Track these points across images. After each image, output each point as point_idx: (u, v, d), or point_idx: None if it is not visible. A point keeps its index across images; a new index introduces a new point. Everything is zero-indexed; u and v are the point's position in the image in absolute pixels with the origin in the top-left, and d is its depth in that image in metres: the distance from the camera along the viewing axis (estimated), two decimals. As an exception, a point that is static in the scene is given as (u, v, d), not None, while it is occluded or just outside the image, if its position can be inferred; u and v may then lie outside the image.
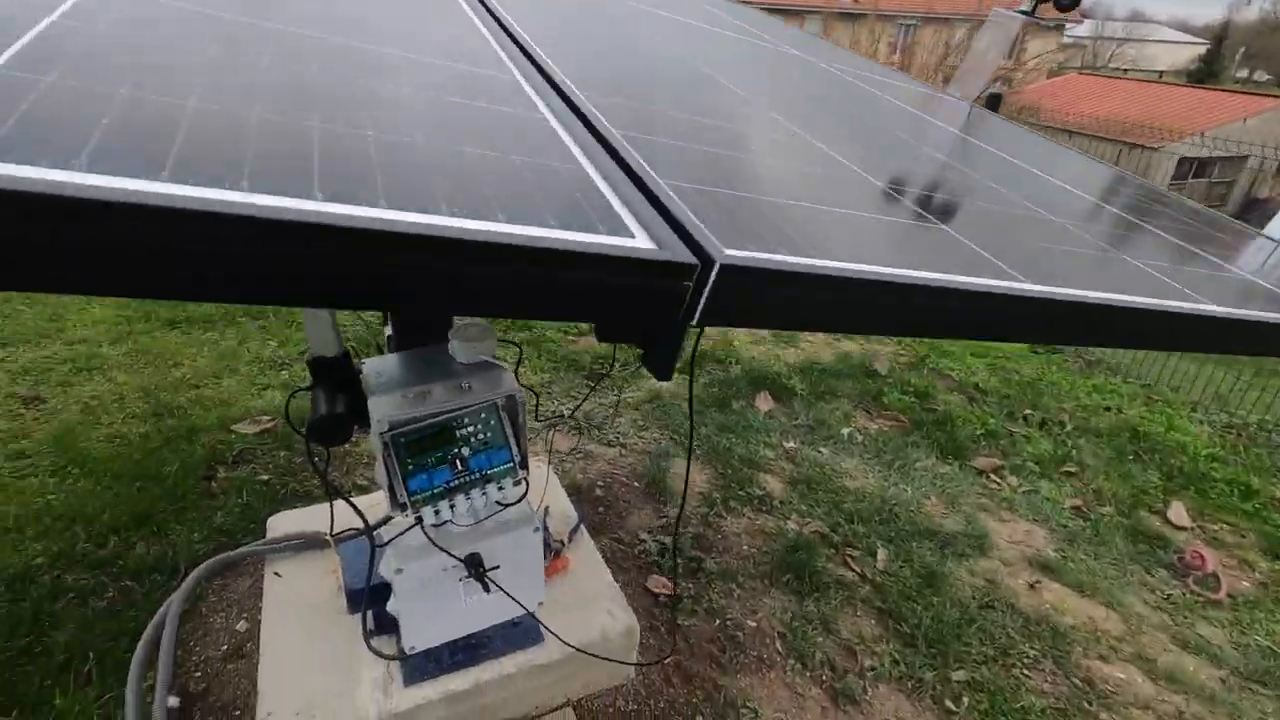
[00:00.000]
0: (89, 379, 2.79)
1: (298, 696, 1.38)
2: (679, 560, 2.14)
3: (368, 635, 1.47)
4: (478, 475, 1.22)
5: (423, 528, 1.18)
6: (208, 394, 2.76)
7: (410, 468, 1.17)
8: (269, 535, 1.79)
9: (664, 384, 3.29)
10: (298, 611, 1.56)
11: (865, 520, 2.43)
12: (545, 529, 1.41)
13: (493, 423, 1.23)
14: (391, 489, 1.17)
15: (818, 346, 3.93)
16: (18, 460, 2.24)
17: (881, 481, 2.70)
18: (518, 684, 1.48)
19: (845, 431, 3.03)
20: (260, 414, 2.65)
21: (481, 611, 1.36)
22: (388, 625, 1.47)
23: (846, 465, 2.79)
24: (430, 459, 1.18)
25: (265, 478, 2.31)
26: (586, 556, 1.81)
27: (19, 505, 2.04)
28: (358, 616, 1.51)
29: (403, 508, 1.18)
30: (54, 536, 1.92)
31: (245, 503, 2.16)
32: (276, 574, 1.67)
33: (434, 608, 1.31)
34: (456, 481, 1.21)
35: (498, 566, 1.31)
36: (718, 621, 1.94)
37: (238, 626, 1.71)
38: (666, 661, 1.75)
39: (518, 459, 1.24)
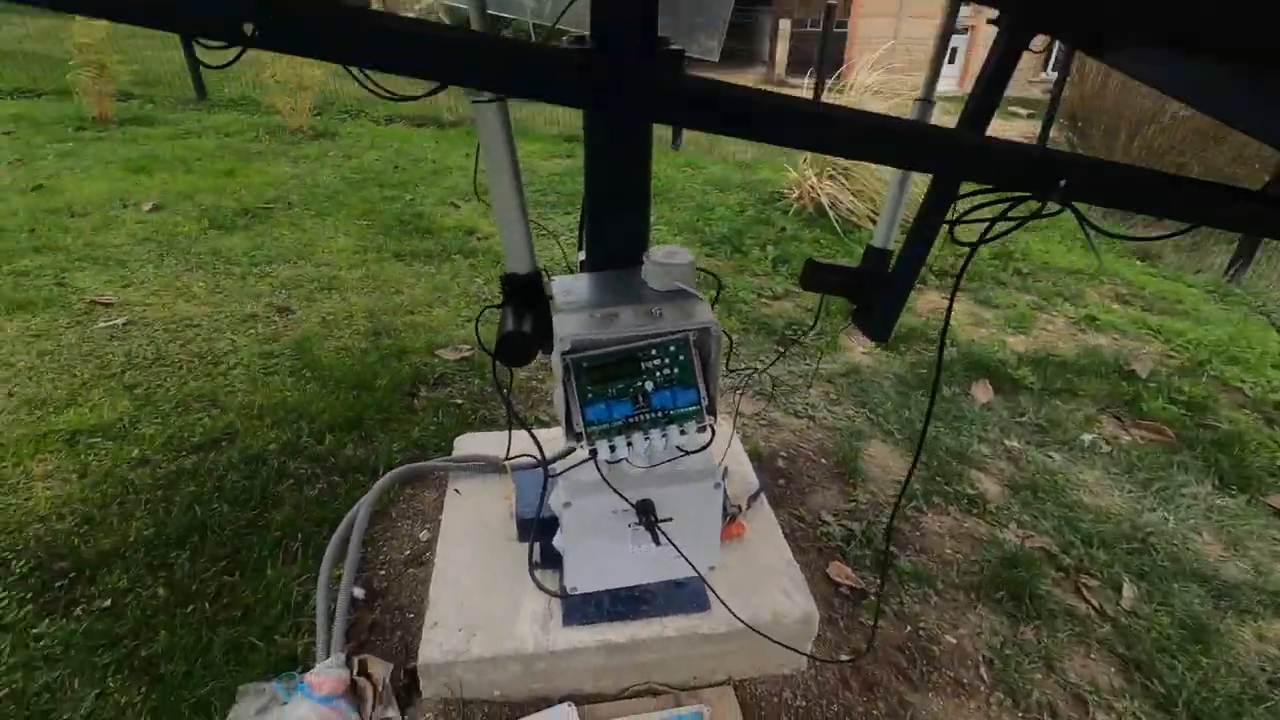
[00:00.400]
0: (328, 297, 3.12)
1: (463, 614, 1.38)
2: (869, 551, 1.89)
3: (533, 567, 1.43)
4: (660, 414, 1.09)
5: (596, 463, 1.08)
6: (419, 320, 2.96)
7: (590, 396, 1.07)
8: (455, 454, 1.83)
9: (863, 359, 2.97)
10: (472, 531, 1.57)
11: (1108, 545, 1.98)
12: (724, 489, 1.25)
13: (682, 358, 1.08)
14: (568, 416, 1.08)
15: (1056, 335, 3.34)
16: (267, 359, 2.55)
17: (1133, 503, 2.20)
18: (676, 649, 1.36)
19: (1087, 438, 2.52)
20: (461, 343, 2.78)
21: (648, 564, 1.25)
22: (553, 560, 1.42)
23: (1085, 477, 2.31)
24: (611, 389, 1.07)
25: (459, 401, 2.41)
26: (765, 528, 1.63)
27: (264, 396, 2.31)
28: (526, 546, 1.47)
29: (578, 438, 1.08)
30: (285, 427, 2.14)
31: (439, 422, 2.27)
32: (457, 491, 1.69)
33: (599, 550, 1.22)
34: (637, 417, 1.09)
35: (670, 519, 1.18)
36: (909, 629, 1.67)
37: (420, 535, 1.78)
38: (849, 661, 1.53)
39: (705, 402, 1.09)
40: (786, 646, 1.30)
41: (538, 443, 1.22)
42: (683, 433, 1.09)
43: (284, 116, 6.22)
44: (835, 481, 2.21)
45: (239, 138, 5.92)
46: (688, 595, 1.40)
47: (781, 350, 2.95)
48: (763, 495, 1.70)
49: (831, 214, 4.53)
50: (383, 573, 1.69)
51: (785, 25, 21.73)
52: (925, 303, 3.63)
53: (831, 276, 1.55)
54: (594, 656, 1.34)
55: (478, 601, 1.40)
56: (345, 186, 4.69)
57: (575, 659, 1.33)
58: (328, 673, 1.30)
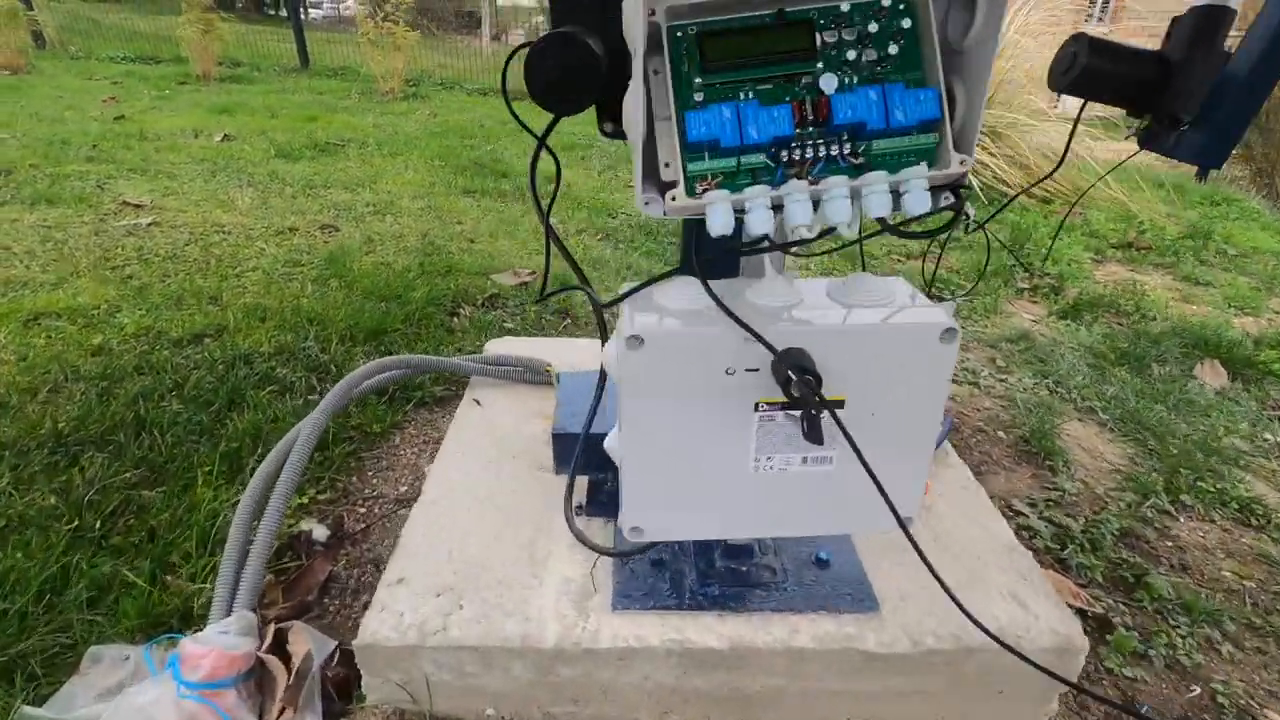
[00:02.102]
0: (381, 220, 2.70)
1: (448, 569, 0.82)
2: (1098, 561, 1.21)
3: (571, 510, 0.85)
4: (853, 140, 0.49)
5: (699, 243, 0.49)
6: (480, 247, 2.48)
7: (699, 96, 0.49)
8: (485, 355, 1.29)
9: (1032, 326, 2.26)
10: (487, 452, 1.01)
11: None
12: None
13: (904, 23, 0.49)
14: (647, 145, 0.50)
15: (1304, 318, 2.49)
16: (293, 267, 2.13)
17: None
18: (814, 673, 0.75)
19: (1396, 441, 1.71)
20: (524, 269, 2.28)
21: (784, 502, 0.65)
22: (606, 506, 0.84)
23: None
24: (747, 86, 0.49)
25: (509, 325, 1.89)
26: (961, 493, 0.99)
27: (275, 299, 1.87)
28: (564, 480, 0.90)
29: (664, 189, 0.51)
30: (288, 330, 1.68)
31: (481, 345, 1.75)
32: (477, 402, 1.14)
33: (688, 461, 0.63)
34: (801, 146, 0.50)
35: (842, 403, 0.58)
36: (1197, 690, 0.98)
37: (427, 467, 1.24)
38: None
39: (951, 119, 0.49)
40: (1055, 676, 0.66)
41: (591, 294, 0.65)
42: (900, 191, 0.49)
43: (379, 82, 6.06)
44: (1024, 463, 1.52)
45: (331, 95, 5.78)
46: (840, 582, 0.79)
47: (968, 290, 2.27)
48: (947, 442, 1.06)
49: (975, 180, 3.79)
50: (363, 509, 1.16)
51: None
52: (1106, 274, 2.86)
53: (1119, 64, 0.89)
54: (660, 667, 0.74)
55: (475, 553, 0.84)
56: (425, 135, 4.36)
57: (628, 667, 0.74)
58: (215, 642, 0.77)
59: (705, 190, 0.50)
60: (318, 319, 1.76)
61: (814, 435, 0.53)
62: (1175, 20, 0.90)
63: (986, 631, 0.54)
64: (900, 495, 0.60)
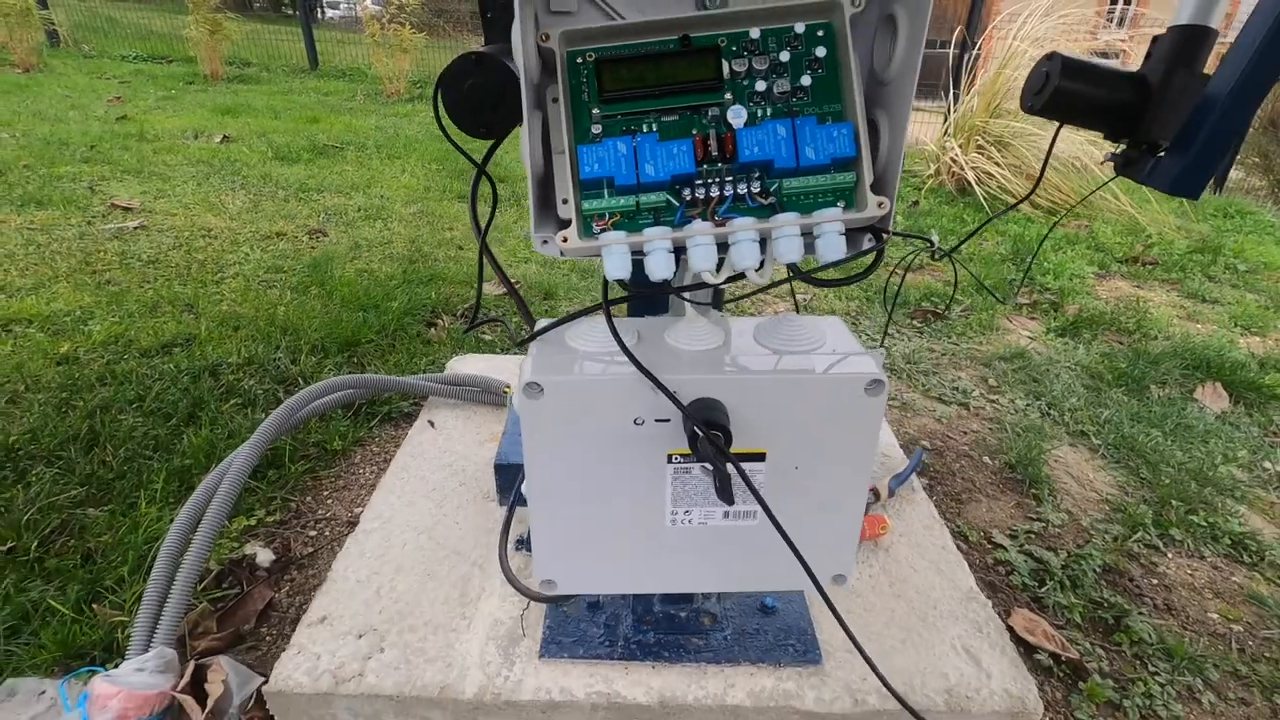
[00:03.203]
0: (370, 225, 2.68)
1: (375, 608, 0.78)
2: (1077, 601, 1.15)
3: (506, 549, 0.81)
4: (760, 177, 0.45)
5: (604, 288, 0.46)
6: (468, 254, 2.46)
7: (596, 127, 0.45)
8: (446, 374, 1.25)
9: (1029, 344, 2.20)
10: (433, 479, 0.97)
11: None
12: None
13: (821, 51, 0.44)
14: (540, 176, 0.46)
15: (1313, 339, 2.41)
16: (274, 274, 2.11)
17: None
18: (750, 736, 0.71)
19: (1404, 473, 1.64)
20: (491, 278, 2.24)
21: (710, 555, 0.61)
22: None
23: None
24: (648, 118, 0.45)
25: (488, 337, 1.86)
26: (920, 532, 0.95)
27: (251, 308, 1.85)
28: (505, 510, 0.86)
29: (557, 229, 0.47)
30: (259, 340, 1.65)
31: (454, 358, 1.72)
32: (430, 423, 1.11)
33: (602, 509, 0.59)
34: (704, 182, 0.46)
35: (762, 456, 0.54)
36: (1172, 747, 0.93)
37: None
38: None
39: (869, 156, 0.45)
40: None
41: (523, 306, 0.61)
42: (814, 235, 0.45)
43: (385, 83, 6.07)
44: (1008, 490, 1.47)
45: (336, 97, 5.79)
46: (781, 630, 0.75)
47: (929, 321, 2.22)
48: (915, 479, 1.02)
49: (979, 190, 3.73)
50: (313, 532, 1.13)
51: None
52: (1109, 290, 2.79)
53: (1094, 86, 0.84)
54: (582, 719, 0.70)
55: (406, 590, 0.81)
56: (426, 138, 4.35)
57: (550, 717, 0.70)
58: (126, 681, 0.74)
59: (602, 230, 0.46)
60: (292, 329, 1.73)
61: (725, 495, 0.49)
62: (1155, 40, 0.85)
63: (905, 705, 0.50)
64: (830, 551, 0.56)
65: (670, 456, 0.54)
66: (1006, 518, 1.39)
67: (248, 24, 7.96)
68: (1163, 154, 0.84)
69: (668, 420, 0.52)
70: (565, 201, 0.47)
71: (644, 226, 0.46)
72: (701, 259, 0.45)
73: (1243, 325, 2.53)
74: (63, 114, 4.10)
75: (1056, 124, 0.89)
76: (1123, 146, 0.89)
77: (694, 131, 0.46)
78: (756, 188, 0.46)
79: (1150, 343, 2.28)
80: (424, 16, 7.56)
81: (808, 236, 0.46)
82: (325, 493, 1.22)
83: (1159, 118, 0.84)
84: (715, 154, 0.45)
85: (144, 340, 1.61)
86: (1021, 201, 0.95)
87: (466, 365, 1.31)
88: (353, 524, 1.15)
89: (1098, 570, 1.23)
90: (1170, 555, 1.32)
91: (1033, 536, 1.32)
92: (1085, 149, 3.72)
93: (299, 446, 1.29)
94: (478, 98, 0.60)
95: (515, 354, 1.69)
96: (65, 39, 7.34)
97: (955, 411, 1.77)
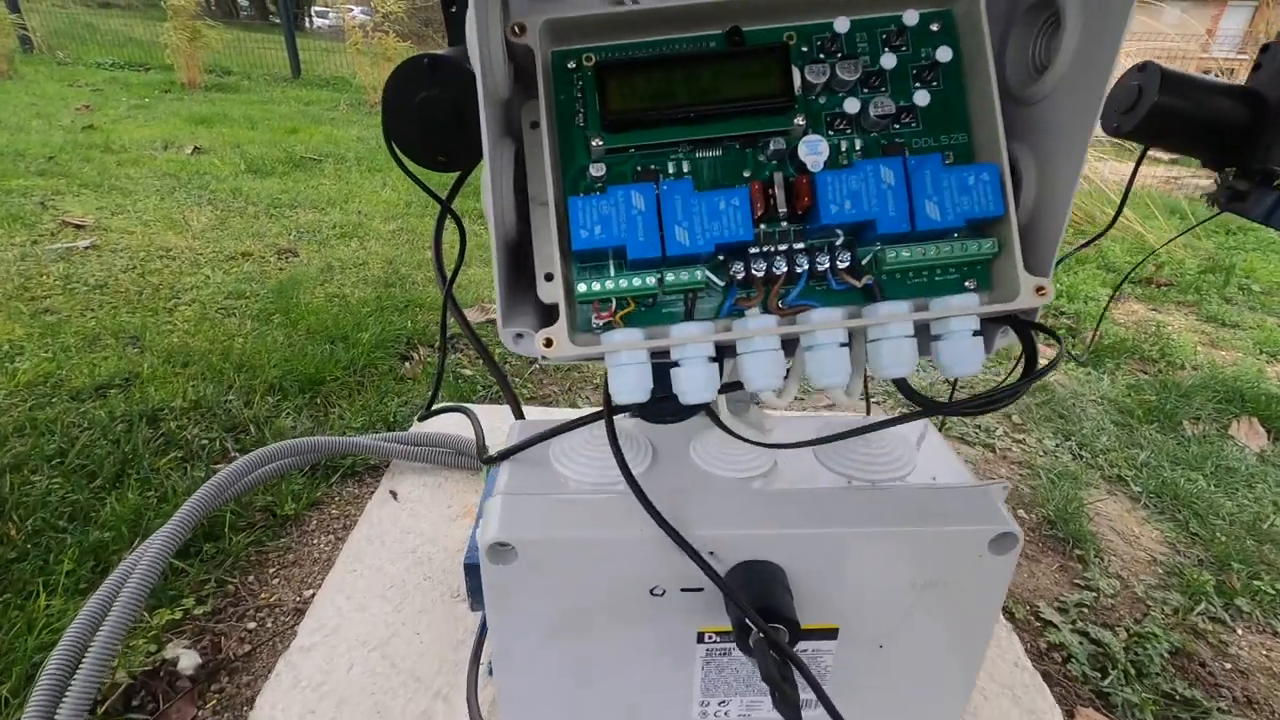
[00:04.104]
0: (345, 244, 2.51)
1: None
2: (1148, 695, 1.00)
3: (476, 682, 0.64)
4: (850, 248, 0.29)
5: (608, 395, 0.28)
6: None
7: (596, 165, 0.27)
8: (413, 431, 1.08)
9: (1051, 377, 2.06)
10: (391, 574, 0.80)
11: None
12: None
13: (929, 55, 0.27)
14: (523, 249, 0.29)
15: (1346, 369, 2.29)
16: (235, 299, 1.93)
17: None
18: None
19: None
20: (491, 303, 2.08)
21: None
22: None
23: None
24: (678, 146, 0.27)
25: (468, 372, 1.69)
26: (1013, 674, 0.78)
27: (205, 339, 1.67)
28: (479, 618, 0.69)
29: (537, 325, 0.29)
30: (210, 379, 1.48)
31: (427, 398, 1.55)
32: (392, 493, 0.94)
33: (600, 702, 0.42)
34: (768, 257, 0.29)
35: (833, 633, 0.37)
36: None
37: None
38: None
39: (1012, 208, 0.28)
40: None
41: (504, 381, 0.46)
42: (934, 335, 0.29)
43: (369, 93, 5.91)
44: (1049, 550, 1.32)
45: (318, 107, 5.62)
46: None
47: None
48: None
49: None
50: (252, 625, 0.95)
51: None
52: (1127, 313, 2.66)
53: (1198, 103, 0.68)
54: None
55: (348, 736, 0.63)
56: (409, 149, 4.18)
57: None
58: None
59: (606, 325, 0.30)
60: (248, 365, 1.56)
61: (791, 712, 0.33)
62: (1265, 49, 0.70)
63: None
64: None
65: (702, 635, 0.38)
66: (1052, 584, 1.23)
67: (230, 31, 7.79)
68: (1281, 187, 0.69)
69: (699, 590, 0.36)
70: (549, 278, 0.31)
71: (671, 320, 0.30)
72: (761, 373, 0.29)
73: (1268, 352, 2.41)
74: (25, 123, 3.90)
75: (1140, 148, 0.74)
76: (1227, 178, 0.74)
77: (747, 174, 0.30)
78: (844, 261, 0.30)
79: (1177, 373, 2.15)
80: (411, 25, 7.42)
81: (921, 334, 0.30)
82: (271, 570, 1.04)
83: (1277, 141, 0.68)
84: (782, 209, 0.29)
85: (77, 380, 1.43)
86: (1098, 238, 0.80)
87: (437, 421, 1.14)
88: (299, 612, 0.97)
89: (1165, 655, 1.08)
90: (1240, 631, 1.17)
91: (1085, 610, 1.16)
92: (1087, 161, 3.62)
93: (242, 512, 1.11)
94: (433, 116, 0.43)
95: (496, 403, 1.52)
96: (39, 45, 7.13)
97: (980, 455, 1.62)
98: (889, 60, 0.30)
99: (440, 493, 0.97)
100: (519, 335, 0.32)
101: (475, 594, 0.72)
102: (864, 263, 0.30)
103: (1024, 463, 1.61)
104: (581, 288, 0.30)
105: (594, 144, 0.30)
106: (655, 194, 0.29)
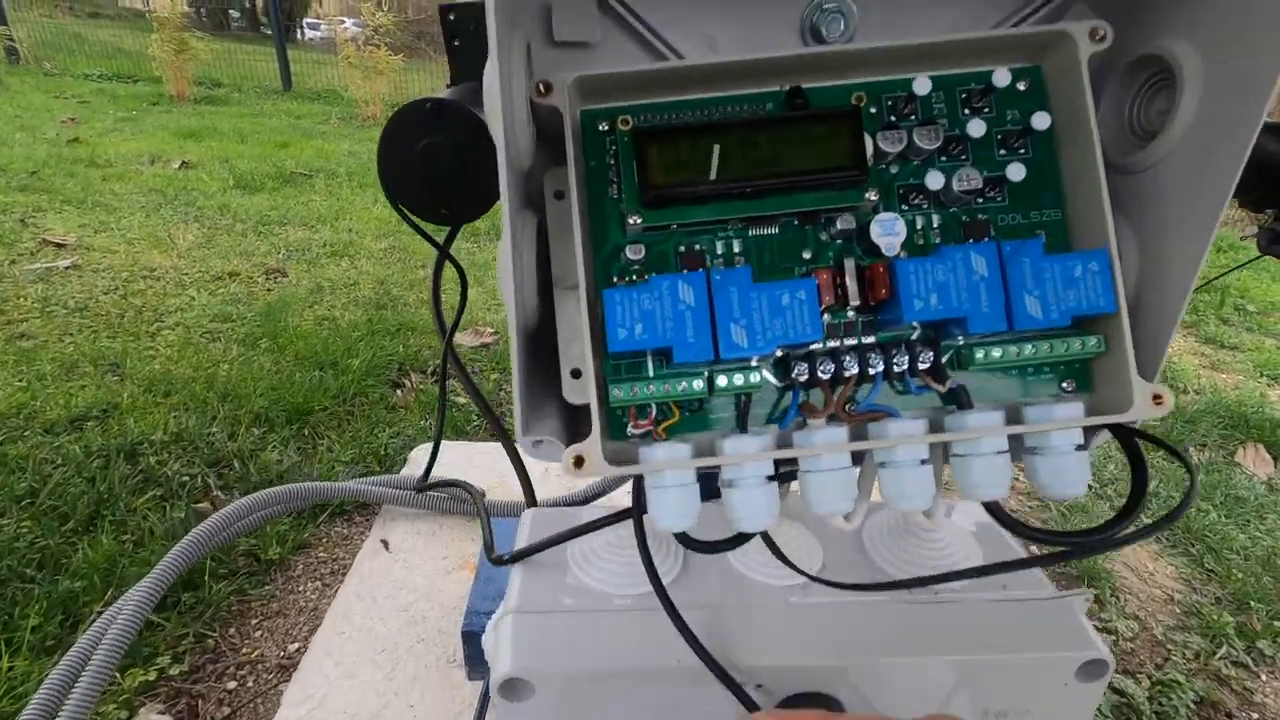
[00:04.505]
0: (336, 263, 2.45)
1: None
2: (1177, 752, 0.95)
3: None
4: (931, 347, 0.24)
5: (644, 524, 0.23)
6: (443, 298, 2.23)
7: (632, 247, 0.22)
8: (404, 473, 1.03)
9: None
10: (382, 636, 0.75)
11: None
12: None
13: (1023, 119, 0.22)
14: (545, 339, 0.24)
15: (1348, 393, 2.27)
16: (220, 323, 1.87)
17: None
18: None
19: None
20: (486, 326, 2.03)
21: None
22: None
23: None
24: (730, 225, 0.22)
25: (462, 400, 1.64)
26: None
27: (189, 366, 1.61)
28: (476, 687, 0.64)
29: (571, 426, 0.24)
30: (192, 410, 1.42)
31: (424, 425, 1.50)
32: (384, 543, 0.89)
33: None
34: (836, 357, 0.24)
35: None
36: None
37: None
38: None
39: (1124, 302, 0.23)
40: None
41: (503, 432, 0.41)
42: (1030, 448, 0.24)
43: (361, 106, 5.88)
44: (1064, 588, 1.27)
45: (309, 120, 5.57)
46: None
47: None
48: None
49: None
50: (232, 684, 0.89)
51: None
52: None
53: None
54: None
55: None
56: (401, 164, 4.14)
57: None
58: None
59: (645, 435, 0.25)
60: (233, 394, 1.50)
61: None
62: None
63: None
64: None
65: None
66: (1069, 628, 1.19)
67: (221, 42, 7.75)
68: None
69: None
70: (577, 376, 0.26)
71: (719, 426, 0.25)
72: (830, 496, 0.24)
73: (1269, 375, 2.39)
74: (8, 136, 3.83)
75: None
76: (1263, 215, 0.70)
77: (807, 255, 0.26)
78: (925, 361, 0.25)
79: (1181, 397, 2.13)
80: (403, 39, 7.40)
81: (1013, 441, 0.26)
82: (253, 622, 0.99)
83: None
84: (854, 300, 0.25)
85: (51, 411, 1.37)
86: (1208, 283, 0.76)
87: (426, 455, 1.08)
88: (283, 668, 0.91)
89: (1191, 705, 1.04)
90: (1264, 677, 1.13)
91: (1105, 656, 1.12)
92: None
93: (224, 558, 1.05)
94: (436, 167, 0.39)
95: (491, 440, 1.47)
96: (26, 56, 7.05)
97: (989, 485, 1.59)
98: (976, 128, 0.26)
99: (435, 541, 0.92)
100: (539, 443, 0.27)
101: (473, 662, 0.67)
102: (948, 367, 0.26)
103: (1031, 493, 1.57)
104: (617, 393, 0.25)
105: (631, 221, 0.26)
106: (706, 285, 0.25)
